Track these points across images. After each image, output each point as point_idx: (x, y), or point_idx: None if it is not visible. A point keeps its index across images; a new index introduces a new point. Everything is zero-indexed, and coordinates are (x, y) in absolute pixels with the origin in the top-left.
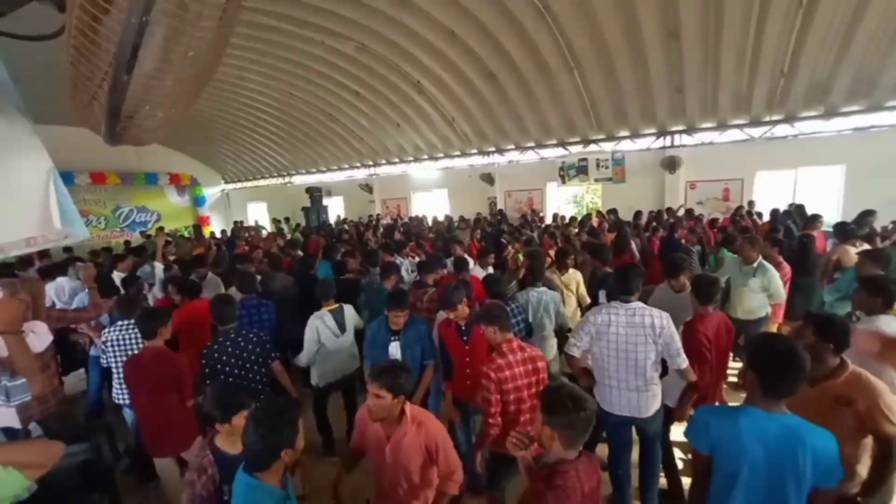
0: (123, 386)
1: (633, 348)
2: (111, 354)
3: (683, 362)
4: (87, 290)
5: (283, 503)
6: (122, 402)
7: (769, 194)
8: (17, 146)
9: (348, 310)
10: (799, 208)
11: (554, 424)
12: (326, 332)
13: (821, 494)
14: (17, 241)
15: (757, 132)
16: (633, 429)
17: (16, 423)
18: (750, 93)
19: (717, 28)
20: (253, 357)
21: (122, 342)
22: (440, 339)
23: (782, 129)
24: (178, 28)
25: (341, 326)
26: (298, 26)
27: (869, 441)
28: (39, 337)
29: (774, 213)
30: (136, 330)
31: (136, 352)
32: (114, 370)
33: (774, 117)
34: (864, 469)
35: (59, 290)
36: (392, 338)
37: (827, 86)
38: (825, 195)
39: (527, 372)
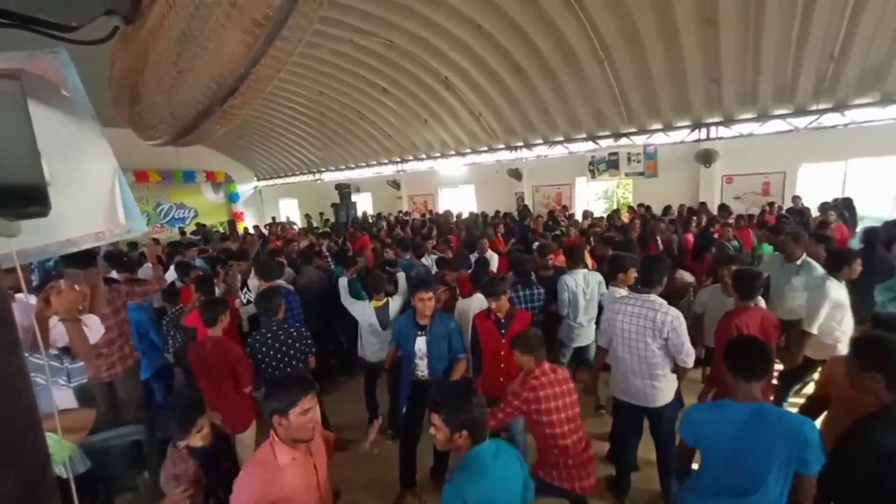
0: None
1: (636, 339)
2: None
3: (688, 361)
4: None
5: None
6: None
7: (815, 188)
8: (88, 148)
9: (394, 303)
10: (846, 202)
11: None
12: (366, 323)
13: (802, 481)
14: (88, 235)
15: (802, 122)
16: (646, 420)
17: (74, 404)
18: (795, 80)
19: (758, 12)
20: (292, 352)
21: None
22: (473, 331)
23: (831, 119)
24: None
25: (383, 324)
26: (327, 24)
27: None
28: (91, 329)
29: (823, 207)
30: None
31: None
32: None
33: (822, 106)
34: None
35: None
36: (419, 333)
37: (883, 70)
38: (879, 188)
39: (562, 392)
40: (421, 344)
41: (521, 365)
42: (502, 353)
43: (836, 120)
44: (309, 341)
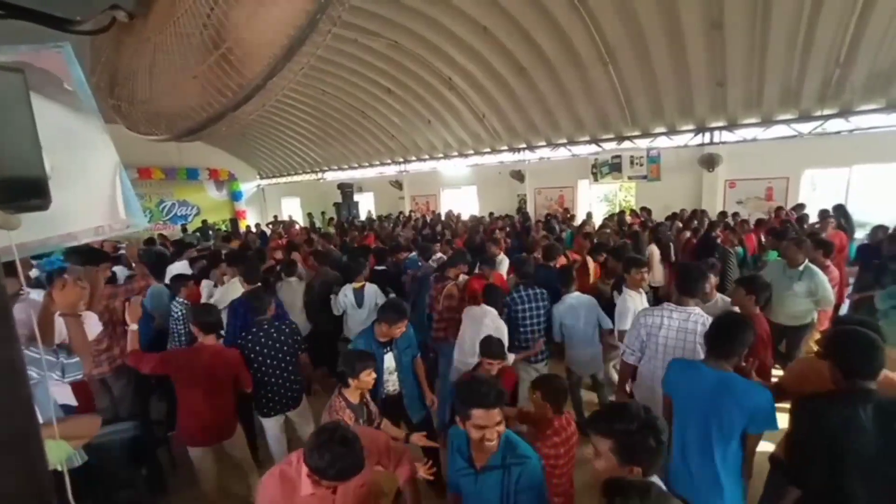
0: None
1: (681, 354)
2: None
3: None
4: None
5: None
6: None
7: (819, 194)
8: (90, 143)
9: (369, 288)
10: (840, 209)
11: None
12: (347, 302)
13: (749, 438)
14: (87, 230)
15: (806, 128)
16: None
17: (72, 401)
18: (800, 85)
19: (765, 16)
20: (286, 348)
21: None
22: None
23: (835, 124)
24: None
25: (359, 302)
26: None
27: None
28: (89, 326)
29: (823, 213)
30: None
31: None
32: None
33: (827, 111)
34: None
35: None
36: (385, 351)
37: (890, 76)
38: (883, 195)
39: (573, 445)
40: (389, 361)
41: (537, 407)
42: None
43: (840, 126)
44: (298, 337)
